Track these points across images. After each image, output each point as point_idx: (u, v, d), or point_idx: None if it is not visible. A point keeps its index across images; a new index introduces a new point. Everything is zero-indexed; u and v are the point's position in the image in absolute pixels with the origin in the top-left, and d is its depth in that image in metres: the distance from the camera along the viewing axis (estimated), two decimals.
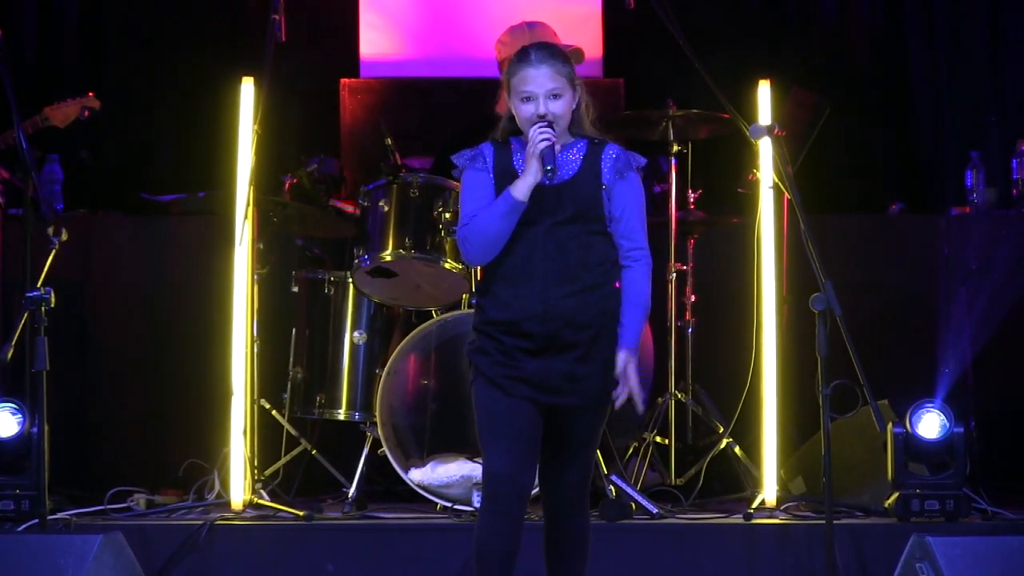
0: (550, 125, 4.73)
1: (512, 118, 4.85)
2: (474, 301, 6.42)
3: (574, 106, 4.82)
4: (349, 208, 7.12)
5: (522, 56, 4.82)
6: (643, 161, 4.88)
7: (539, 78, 4.76)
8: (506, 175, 4.80)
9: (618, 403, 4.80)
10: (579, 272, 4.74)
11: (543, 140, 4.70)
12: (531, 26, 7.14)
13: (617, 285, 4.81)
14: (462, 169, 4.88)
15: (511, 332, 4.74)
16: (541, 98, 4.76)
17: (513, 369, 4.73)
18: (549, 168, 4.69)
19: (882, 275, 7.60)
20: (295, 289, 7.04)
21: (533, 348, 4.73)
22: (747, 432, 6.88)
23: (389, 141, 6.83)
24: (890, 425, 6.30)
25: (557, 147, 4.75)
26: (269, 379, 6.95)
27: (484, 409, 4.78)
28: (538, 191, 4.73)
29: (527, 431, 4.74)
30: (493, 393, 4.75)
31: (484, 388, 4.78)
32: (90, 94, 7.28)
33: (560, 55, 4.82)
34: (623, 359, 4.77)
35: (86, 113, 7.23)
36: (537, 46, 4.87)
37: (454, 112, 8.18)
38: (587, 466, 4.89)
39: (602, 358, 4.77)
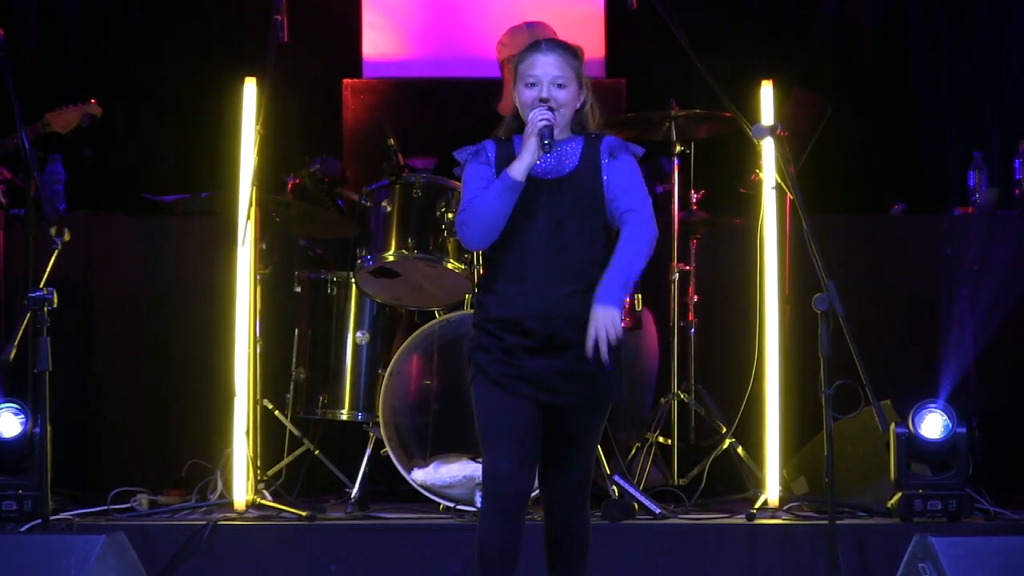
0: (551, 110, 4.73)
1: (516, 116, 4.84)
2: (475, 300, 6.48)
3: (579, 104, 4.82)
4: (356, 197, 7.12)
5: (533, 45, 4.84)
6: (640, 150, 4.86)
7: (546, 64, 4.76)
8: None
9: (588, 352, 4.66)
10: (582, 270, 4.72)
11: (542, 120, 4.70)
12: (531, 26, 7.15)
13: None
14: (464, 163, 4.88)
15: (512, 330, 4.73)
16: (545, 83, 4.76)
17: (514, 368, 4.72)
18: (547, 142, 4.68)
19: (884, 275, 7.60)
20: (298, 289, 7.04)
21: (534, 346, 4.72)
22: (750, 432, 6.88)
23: (391, 141, 6.83)
24: (893, 425, 6.30)
25: (556, 131, 4.74)
26: (272, 379, 6.95)
27: (484, 408, 4.77)
28: (539, 187, 4.73)
29: (527, 431, 4.73)
30: (493, 392, 4.74)
31: (484, 386, 4.76)
32: (92, 101, 7.30)
33: (570, 49, 4.82)
34: (597, 312, 4.62)
35: (87, 120, 7.25)
36: (548, 39, 4.89)
37: (456, 112, 8.19)
38: (587, 467, 4.87)
39: (603, 358, 4.76)
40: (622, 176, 4.79)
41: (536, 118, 4.71)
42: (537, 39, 4.90)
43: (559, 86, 4.77)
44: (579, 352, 4.71)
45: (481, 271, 6.43)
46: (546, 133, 4.69)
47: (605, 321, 4.64)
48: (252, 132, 6.60)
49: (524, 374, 4.72)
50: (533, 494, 4.82)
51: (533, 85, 4.78)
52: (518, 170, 4.71)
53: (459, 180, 4.96)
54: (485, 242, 4.78)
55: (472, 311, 6.48)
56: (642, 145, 4.88)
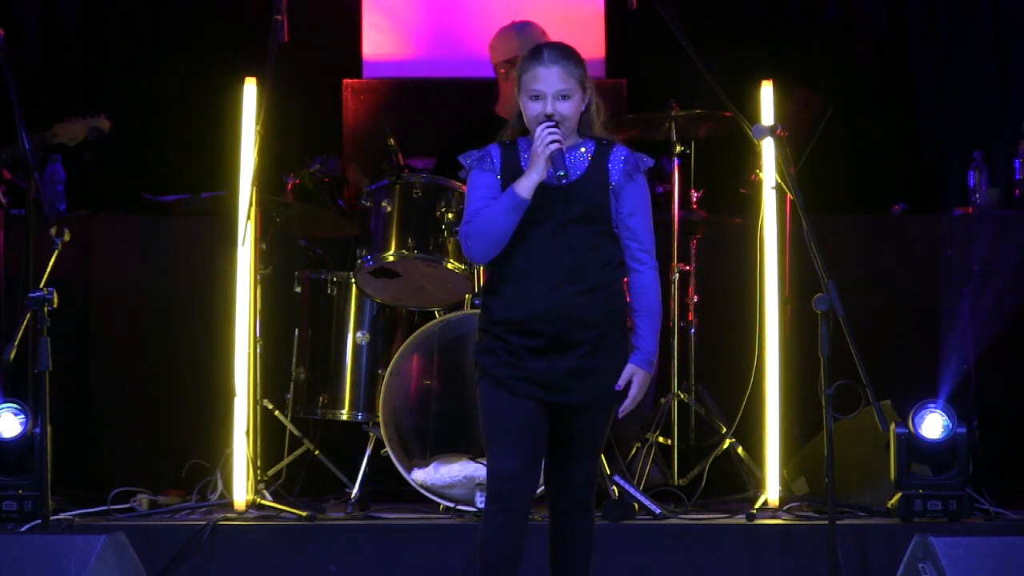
0: (557, 125, 4.72)
1: (520, 118, 4.83)
2: (478, 302, 6.47)
3: (583, 107, 4.81)
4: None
5: (535, 54, 4.79)
6: (651, 163, 4.87)
7: (549, 77, 4.74)
8: (514, 175, 4.77)
9: (621, 414, 4.84)
10: (586, 272, 4.73)
11: (552, 141, 4.68)
12: (519, 28, 7.17)
13: (623, 286, 4.82)
14: (468, 169, 4.86)
15: (518, 331, 4.73)
16: (549, 98, 4.74)
17: (519, 369, 4.72)
18: (561, 173, 4.67)
19: (885, 275, 7.60)
20: (298, 289, 7.05)
21: (539, 347, 4.73)
22: (750, 432, 6.88)
23: (392, 141, 6.83)
24: (893, 425, 6.30)
25: (564, 149, 4.74)
26: (272, 379, 6.95)
27: (490, 409, 4.77)
28: (546, 191, 4.72)
29: (532, 431, 4.73)
30: (499, 393, 4.74)
31: (490, 388, 4.77)
32: (101, 115, 7.29)
33: (573, 56, 4.79)
34: (639, 375, 4.79)
35: (94, 134, 7.24)
36: (551, 45, 4.85)
37: (457, 112, 8.19)
38: (592, 467, 4.88)
39: (608, 357, 4.76)
40: (639, 203, 4.82)
41: (546, 139, 4.69)
42: (539, 46, 4.83)
43: (563, 97, 4.75)
44: (584, 351, 4.73)
45: (483, 275, 6.42)
46: (557, 158, 4.68)
47: (645, 384, 4.81)
48: (252, 132, 6.60)
49: (529, 375, 4.72)
50: (538, 491, 4.83)
51: (537, 98, 4.76)
52: (525, 188, 4.70)
53: (461, 180, 4.96)
54: (488, 256, 4.78)
55: (473, 311, 6.51)
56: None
